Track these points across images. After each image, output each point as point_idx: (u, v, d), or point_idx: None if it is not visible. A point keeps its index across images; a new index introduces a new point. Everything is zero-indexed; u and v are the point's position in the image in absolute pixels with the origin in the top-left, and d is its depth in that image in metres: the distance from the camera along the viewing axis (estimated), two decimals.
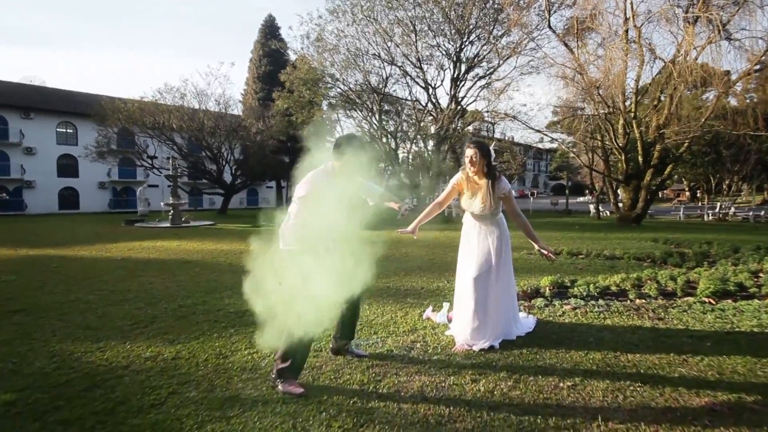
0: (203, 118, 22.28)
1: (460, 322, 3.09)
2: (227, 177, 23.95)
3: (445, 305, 3.72)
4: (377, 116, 21.82)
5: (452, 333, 3.20)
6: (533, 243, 3.08)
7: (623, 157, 13.17)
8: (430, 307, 3.79)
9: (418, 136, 23.21)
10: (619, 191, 13.98)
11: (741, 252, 6.51)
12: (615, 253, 6.83)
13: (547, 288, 4.25)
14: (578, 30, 13.40)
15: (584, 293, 4.09)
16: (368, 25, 19.79)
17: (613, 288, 4.29)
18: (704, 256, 6.22)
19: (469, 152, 2.99)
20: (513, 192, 3.08)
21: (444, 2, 18.88)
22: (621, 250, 7.23)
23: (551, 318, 3.62)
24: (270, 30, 31.80)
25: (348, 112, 23.36)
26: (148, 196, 21.27)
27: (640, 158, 12.98)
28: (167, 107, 21.48)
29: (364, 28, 19.91)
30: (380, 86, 21.19)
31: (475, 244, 3.11)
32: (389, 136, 22.97)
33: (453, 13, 19.13)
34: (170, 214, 14.93)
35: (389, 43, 19.90)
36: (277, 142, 22.83)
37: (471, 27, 19.38)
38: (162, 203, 15.71)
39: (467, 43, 20.10)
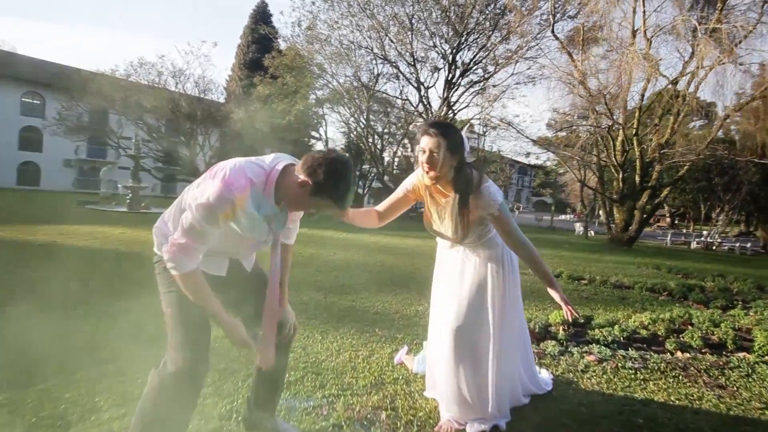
0: (180, 99, 20.85)
1: (443, 390, 2.03)
2: (201, 164, 22.48)
3: (426, 345, 2.65)
4: (365, 114, 20.79)
5: (435, 397, 2.15)
6: (548, 288, 1.94)
7: (620, 176, 12.43)
8: (405, 347, 2.73)
9: (405, 140, 22.28)
10: (612, 211, 13.23)
11: (766, 290, 5.70)
12: (623, 281, 5.92)
13: (561, 328, 3.24)
14: (583, 39, 12.66)
15: (608, 338, 3.10)
16: (364, 18, 18.80)
17: (643, 332, 3.32)
18: (726, 293, 5.36)
19: (425, 143, 1.76)
20: (506, 207, 1.88)
21: (444, 1, 18.03)
22: (627, 277, 6.33)
23: (571, 374, 2.60)
24: (261, 16, 30.42)
25: (335, 107, 22.28)
26: (117, 178, 19.67)
27: (637, 178, 12.27)
28: (141, 85, 19.97)
29: (359, 21, 18.90)
30: (371, 83, 20.19)
31: (456, 276, 2.02)
32: (376, 136, 21.96)
33: (453, 13, 18.31)
34: (128, 198, 13.52)
35: (384, 39, 18.92)
36: (258, 132, 21.53)
37: (470, 29, 18.57)
38: (120, 185, 14.28)
39: (464, 46, 19.31)
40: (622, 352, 2.96)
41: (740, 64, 12.45)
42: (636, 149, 11.85)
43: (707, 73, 11.23)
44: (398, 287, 4.81)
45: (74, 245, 6.27)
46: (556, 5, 13.57)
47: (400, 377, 2.40)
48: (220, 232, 1.30)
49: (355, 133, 22.35)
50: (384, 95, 21.39)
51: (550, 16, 13.80)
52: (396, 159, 24.37)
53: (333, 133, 40.71)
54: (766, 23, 11.33)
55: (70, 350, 2.44)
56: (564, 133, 16.50)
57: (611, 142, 12.46)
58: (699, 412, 2.24)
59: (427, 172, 1.79)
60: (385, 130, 23.07)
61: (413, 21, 18.49)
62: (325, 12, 18.57)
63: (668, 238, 18.94)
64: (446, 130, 1.79)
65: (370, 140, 21.08)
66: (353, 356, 2.66)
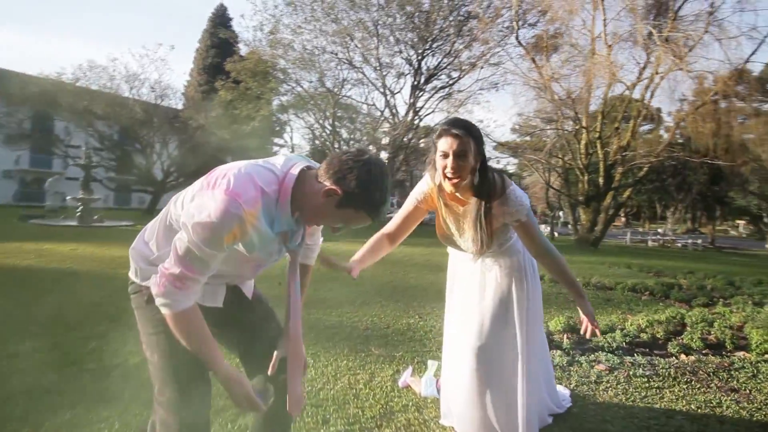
0: (134, 105, 19.73)
1: (466, 416, 1.82)
2: (158, 173, 21.34)
3: (431, 365, 2.42)
4: (331, 120, 20.48)
5: (453, 425, 1.92)
6: (576, 301, 1.72)
7: (585, 178, 12.79)
8: (410, 369, 2.49)
9: (371, 146, 22.14)
10: (579, 212, 13.60)
11: (739, 286, 5.88)
12: (603, 282, 5.95)
13: (565, 336, 3.11)
14: (546, 45, 13.00)
15: (613, 344, 2.99)
16: (328, 23, 18.55)
17: (644, 336, 3.24)
18: (703, 290, 5.48)
19: (448, 145, 1.51)
20: (531, 212, 1.67)
21: (409, 7, 18.10)
22: (606, 278, 6.38)
23: (585, 387, 2.45)
24: (221, 20, 29.54)
25: (299, 113, 21.85)
26: (65, 189, 18.24)
27: (601, 180, 12.67)
28: (90, 90, 18.73)
29: (323, 26, 18.62)
30: (336, 89, 19.94)
31: (475, 290, 1.83)
32: (342, 142, 21.67)
33: (417, 19, 18.40)
34: (78, 211, 12.53)
35: (350, 44, 18.74)
36: (219, 139, 20.70)
37: (434, 36, 18.73)
38: (68, 198, 13.22)
39: (429, 52, 19.45)
40: (629, 358, 2.86)
41: (689, 71, 13.22)
42: (600, 152, 12.24)
43: (662, 78, 11.79)
44: (384, 299, 4.57)
45: (16, 265, 5.61)
46: (519, 13, 13.87)
47: (410, 404, 2.16)
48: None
49: (320, 139, 21.97)
50: (350, 100, 21.21)
51: (514, 23, 14.10)
52: None
53: (298, 139, 40.02)
54: (712, 33, 12.03)
55: (11, 397, 2.03)
56: (529, 138, 16.87)
57: (577, 145, 12.82)
58: (724, 420, 2.13)
59: (450, 179, 1.55)
60: (351, 136, 22.84)
61: (378, 27, 18.45)
62: (289, 16, 18.19)
63: (628, 237, 19.76)
64: (470, 128, 1.55)
65: (336, 146, 20.76)
66: (353, 381, 2.39)
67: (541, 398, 1.97)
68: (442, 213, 1.76)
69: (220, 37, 22.77)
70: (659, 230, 21.11)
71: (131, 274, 1.20)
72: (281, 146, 25.26)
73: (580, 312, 1.73)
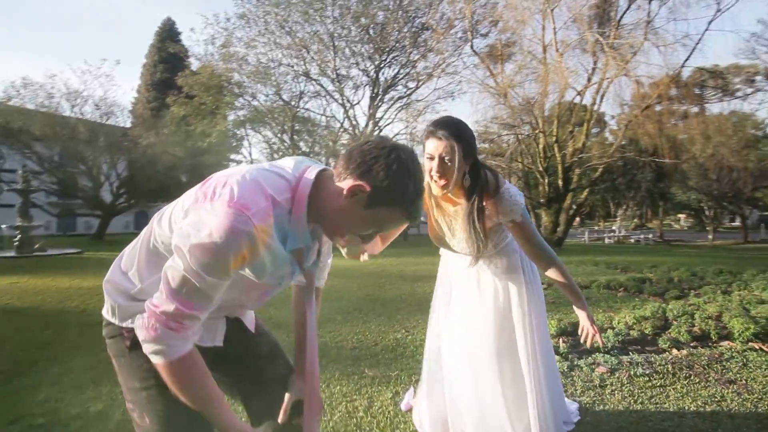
0: (77, 124, 18.48)
1: (478, 425, 1.70)
2: (107, 196, 20.04)
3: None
4: (289, 134, 20.12)
5: None
6: (575, 306, 1.68)
7: (545, 181, 13.20)
8: (411, 390, 2.32)
9: (331, 159, 21.94)
10: (541, 214, 14.01)
11: (703, 276, 6.14)
12: (578, 280, 6.03)
13: (560, 340, 3.05)
14: (501, 54, 13.42)
15: (608, 344, 2.96)
16: (282, 36, 18.30)
17: (633, 334, 3.24)
18: (672, 282, 5.67)
19: (433, 147, 1.47)
20: (526, 211, 1.62)
21: (364, 19, 18.19)
22: (577, 276, 6.49)
23: (591, 391, 2.38)
24: (168, 34, 28.50)
25: (257, 128, 21.33)
26: (0, 218, 16.68)
27: (560, 182, 13.11)
28: (25, 109, 17.39)
29: (277, 39, 18.35)
30: (293, 102, 19.65)
31: (472, 293, 1.75)
32: (301, 155, 21.31)
33: (373, 31, 18.52)
34: (16, 240, 11.45)
35: (306, 56, 18.56)
36: (172, 157, 19.73)
37: (390, 47, 18.92)
38: (3, 226, 12.07)
39: (386, 63, 19.62)
40: (625, 357, 2.83)
41: (632, 77, 14.05)
42: (557, 155, 12.69)
43: (610, 83, 12.44)
44: (365, 314, 4.37)
45: None
46: (472, 23, 14.26)
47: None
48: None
49: (278, 154, 21.52)
50: (308, 113, 20.96)
51: (468, 33, 14.48)
52: None
53: (257, 154, 39.16)
54: (651, 40, 12.85)
55: None
56: (487, 145, 17.28)
57: (537, 149, 13.23)
58: (733, 415, 2.10)
59: (437, 178, 1.48)
60: (311, 149, 22.54)
61: (334, 39, 18.40)
62: (241, 29, 17.79)
63: (586, 236, 20.61)
64: (458, 130, 1.48)
65: None
66: (351, 409, 2.19)
67: (557, 411, 1.86)
68: (434, 214, 1.70)
69: (169, 52, 21.97)
70: (613, 227, 22.20)
71: (106, 313, 0.96)
72: (239, 162, 24.55)
73: (580, 317, 1.67)
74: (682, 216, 41.17)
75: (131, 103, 28.74)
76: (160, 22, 29.44)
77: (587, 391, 2.38)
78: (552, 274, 1.66)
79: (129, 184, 20.30)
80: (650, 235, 20.78)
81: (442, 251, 1.91)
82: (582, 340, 1.66)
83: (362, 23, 18.31)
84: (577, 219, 39.83)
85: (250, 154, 22.49)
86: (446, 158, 1.44)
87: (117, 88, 54.24)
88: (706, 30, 13.32)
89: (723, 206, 23.16)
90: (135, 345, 0.84)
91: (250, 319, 1.11)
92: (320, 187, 0.87)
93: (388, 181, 0.82)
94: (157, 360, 0.79)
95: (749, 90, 19.04)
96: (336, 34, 18.43)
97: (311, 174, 0.88)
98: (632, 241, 20.65)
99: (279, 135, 20.40)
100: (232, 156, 24.74)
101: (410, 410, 2.16)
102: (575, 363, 2.74)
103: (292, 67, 18.73)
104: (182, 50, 21.03)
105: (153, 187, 20.01)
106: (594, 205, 27.46)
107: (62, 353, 3.07)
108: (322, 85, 19.61)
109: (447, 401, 1.81)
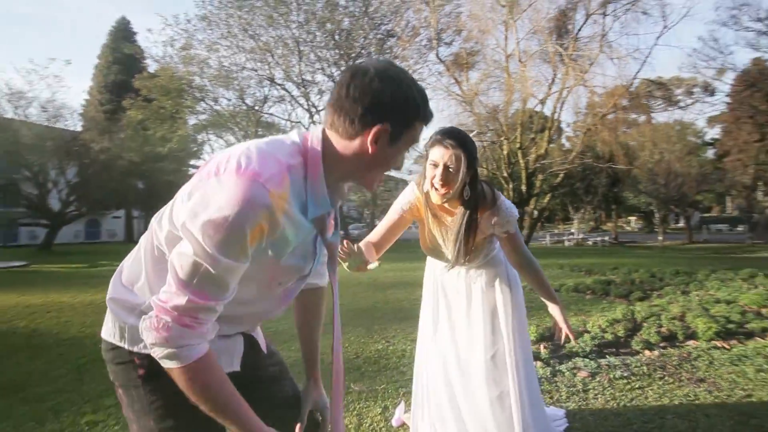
0: (21, 128, 17.26)
1: None
2: (55, 204, 18.80)
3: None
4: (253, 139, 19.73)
5: None
6: (550, 306, 1.75)
7: (510, 186, 13.59)
8: (401, 404, 2.28)
9: None
10: None
11: (662, 277, 6.46)
12: None
13: (542, 346, 3.10)
14: (466, 62, 13.74)
15: (586, 348, 3.05)
16: (246, 39, 17.91)
17: (607, 336, 3.35)
18: (635, 284, 5.93)
19: (439, 155, 1.48)
20: (516, 223, 1.68)
21: (329, 25, 18.14)
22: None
23: (575, 396, 2.43)
24: (123, 35, 27.25)
25: (219, 133, 20.76)
26: None
27: (524, 187, 13.53)
28: None
29: (240, 42, 17.94)
30: (257, 106, 19.26)
31: (462, 302, 1.79)
32: None
33: (338, 36, 18.49)
34: None
35: (270, 61, 18.24)
36: (128, 163, 18.78)
37: (356, 53, 18.95)
38: None
39: None
40: (603, 360, 2.92)
41: (589, 86, 14.78)
42: (521, 161, 13.11)
43: (569, 93, 13.02)
44: (344, 325, 4.29)
45: None
46: (437, 31, 14.53)
47: None
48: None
49: None
50: (272, 118, 20.60)
51: (434, 41, 14.73)
52: None
53: None
54: (605, 53, 13.57)
55: None
56: None
57: (501, 155, 13.61)
58: (709, 415, 2.20)
59: (438, 190, 1.50)
60: None
61: (299, 44, 18.21)
62: (203, 31, 17.26)
63: (547, 239, 21.37)
64: (464, 140, 1.51)
65: None
66: None
67: (535, 417, 1.88)
68: (429, 224, 1.70)
69: (123, 53, 20.97)
70: (572, 231, 23.18)
71: (110, 336, 0.84)
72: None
73: (557, 320, 1.76)
74: (632, 218, 43.63)
75: (82, 106, 27.18)
76: (114, 21, 28.16)
77: (572, 396, 2.43)
78: (534, 282, 1.74)
79: (80, 190, 19.12)
80: (606, 237, 21.85)
81: (429, 260, 1.92)
82: (556, 338, 1.73)
83: (328, 29, 18.24)
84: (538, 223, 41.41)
85: None
86: (451, 167, 1.47)
87: (67, 89, 51.08)
88: (655, 45, 14.24)
89: (670, 209, 24.77)
90: (150, 375, 0.74)
91: (261, 337, 1.04)
92: (330, 144, 0.79)
93: (398, 109, 0.75)
94: (171, 364, 0.69)
95: (689, 101, 20.55)
96: (301, 39, 18.25)
97: (317, 132, 0.79)
98: (590, 243, 21.63)
99: (242, 140, 19.87)
100: (193, 162, 23.95)
101: (402, 425, 2.12)
102: (557, 368, 2.80)
103: (256, 71, 18.38)
104: (138, 51, 20.14)
105: (106, 193, 18.97)
106: (554, 209, 28.65)
107: (13, 383, 2.81)
108: (287, 90, 19.36)
109: (443, 417, 1.80)
